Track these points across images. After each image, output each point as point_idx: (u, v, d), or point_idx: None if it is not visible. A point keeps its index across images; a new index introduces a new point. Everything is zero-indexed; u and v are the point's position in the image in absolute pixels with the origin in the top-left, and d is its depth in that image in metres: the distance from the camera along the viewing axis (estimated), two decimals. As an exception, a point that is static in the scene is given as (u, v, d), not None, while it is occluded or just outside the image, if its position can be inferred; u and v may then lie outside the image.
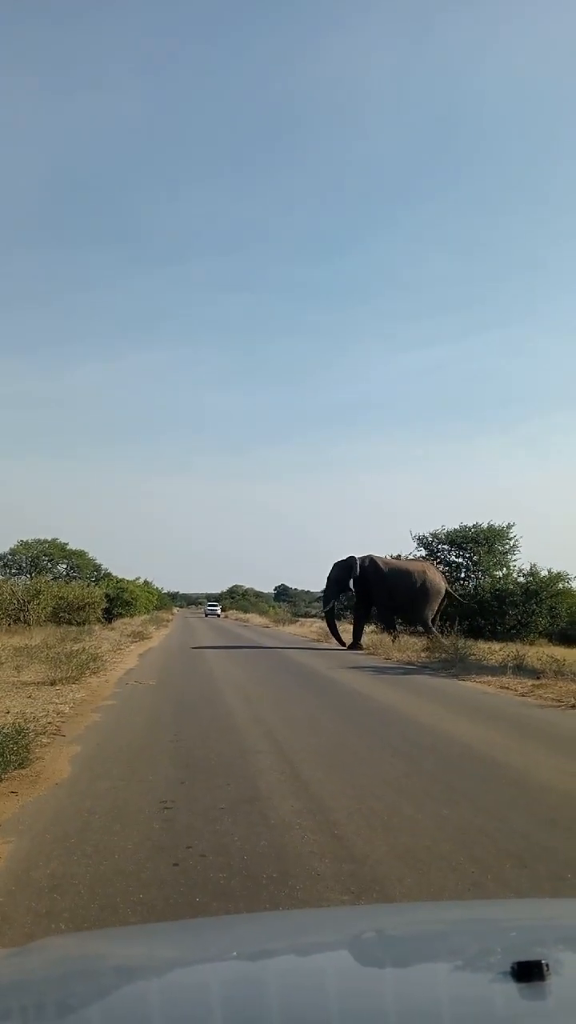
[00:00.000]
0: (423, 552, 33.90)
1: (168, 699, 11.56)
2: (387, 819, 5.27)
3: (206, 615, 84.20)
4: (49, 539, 52.64)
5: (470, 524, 33.43)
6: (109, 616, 42.85)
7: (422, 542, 33.94)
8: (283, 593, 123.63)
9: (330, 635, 26.79)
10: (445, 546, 33.50)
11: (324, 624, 31.54)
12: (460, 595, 28.91)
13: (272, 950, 1.80)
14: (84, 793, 5.88)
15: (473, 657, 18.73)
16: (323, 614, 30.82)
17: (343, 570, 26.26)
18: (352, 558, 26.27)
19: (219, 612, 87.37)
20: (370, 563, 26.01)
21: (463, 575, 32.80)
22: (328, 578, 26.93)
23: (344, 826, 5.09)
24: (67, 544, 53.56)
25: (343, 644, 25.52)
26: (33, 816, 5.27)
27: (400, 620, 26.51)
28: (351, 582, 25.97)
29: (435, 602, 25.89)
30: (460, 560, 33.22)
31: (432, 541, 33.71)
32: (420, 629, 25.71)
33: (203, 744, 7.88)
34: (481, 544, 32.48)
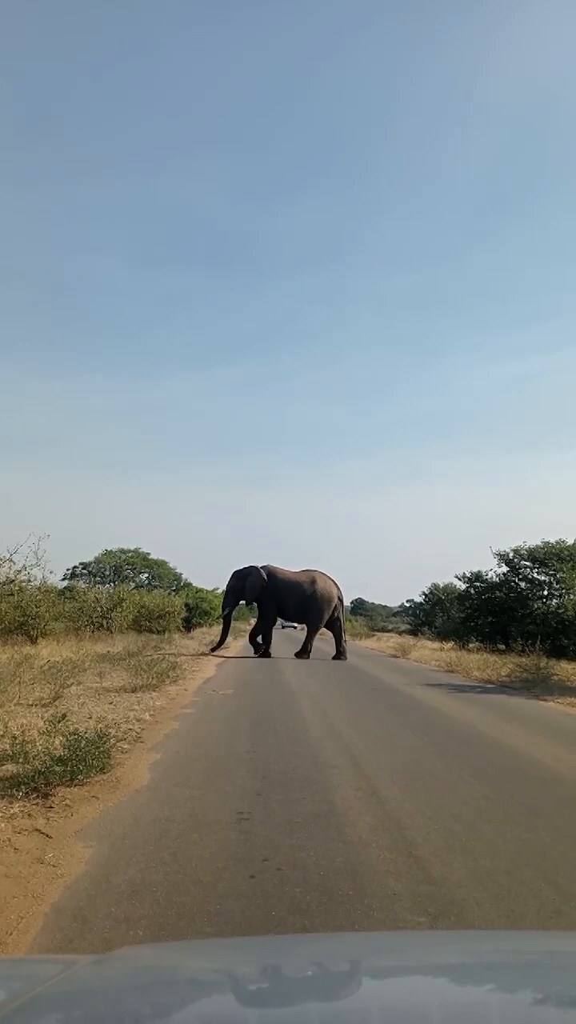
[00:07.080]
0: (504, 568, 33.23)
1: (245, 709, 11.63)
2: (465, 840, 5.17)
3: (282, 627, 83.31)
4: (132, 549, 53.99)
5: (553, 540, 32.57)
6: (188, 625, 43.57)
7: (503, 558, 33.24)
8: (359, 607, 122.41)
9: (220, 640, 27.18)
10: (527, 563, 32.67)
11: (401, 639, 31.42)
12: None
13: (349, 971, 1.79)
14: (163, 800, 5.97)
15: (556, 677, 18.24)
16: (220, 618, 32.02)
17: (239, 579, 27.09)
18: (248, 568, 27.04)
19: (296, 624, 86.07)
20: (265, 573, 26.69)
21: (546, 592, 31.88)
22: (226, 587, 27.95)
23: (421, 846, 5.01)
24: (149, 554, 54.85)
25: (213, 651, 25.81)
26: (113, 821, 5.38)
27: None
28: (245, 591, 26.80)
29: (327, 610, 26.58)
30: (543, 577, 32.31)
31: (513, 557, 32.95)
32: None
33: (279, 756, 7.90)
34: (565, 561, 31.53)
